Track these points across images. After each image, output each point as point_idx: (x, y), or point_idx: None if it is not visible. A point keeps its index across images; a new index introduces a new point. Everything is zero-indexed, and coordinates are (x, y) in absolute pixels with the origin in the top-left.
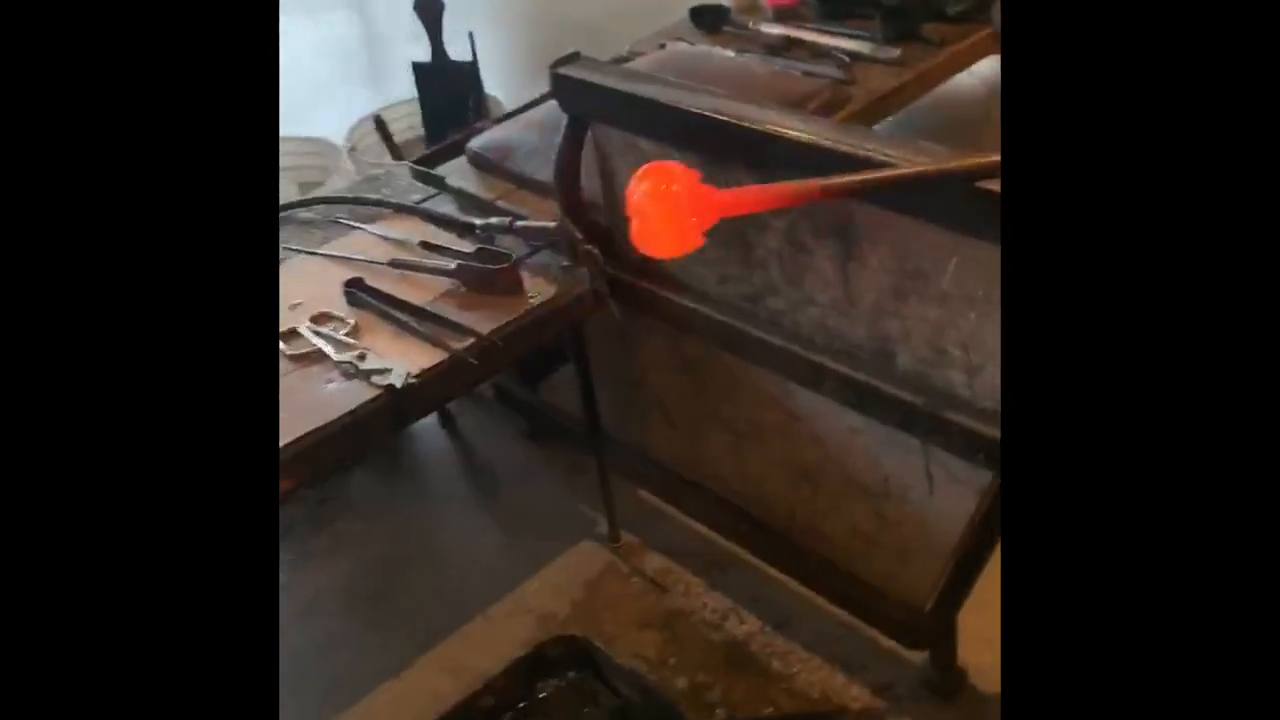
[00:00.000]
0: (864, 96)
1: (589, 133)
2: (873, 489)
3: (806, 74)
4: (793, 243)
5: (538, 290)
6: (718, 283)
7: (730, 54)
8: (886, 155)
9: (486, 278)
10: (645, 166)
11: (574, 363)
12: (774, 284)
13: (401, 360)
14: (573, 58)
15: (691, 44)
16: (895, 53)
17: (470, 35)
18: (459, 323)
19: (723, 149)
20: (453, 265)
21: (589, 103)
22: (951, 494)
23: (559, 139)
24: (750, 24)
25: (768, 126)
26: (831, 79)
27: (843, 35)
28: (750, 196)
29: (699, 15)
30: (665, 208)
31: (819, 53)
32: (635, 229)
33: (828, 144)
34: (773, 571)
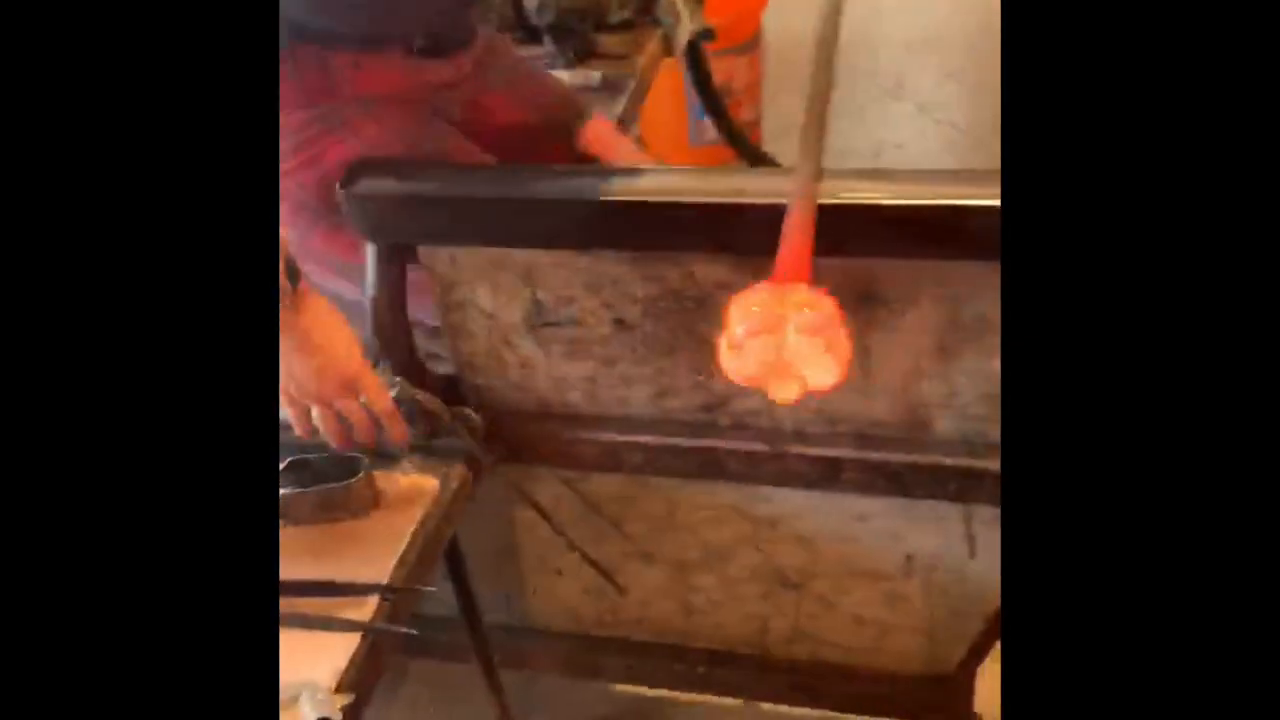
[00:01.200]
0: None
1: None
2: (888, 572)
3: None
4: None
5: (403, 492)
6: (653, 399)
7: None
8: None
9: (334, 501)
10: (749, 327)
11: (445, 555)
12: None
13: (296, 674)
14: (360, 170)
15: None
16: (597, 76)
17: None
18: (337, 581)
19: (652, 236)
20: None
21: (415, 224)
22: (997, 550)
23: (369, 274)
24: None
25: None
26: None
27: None
28: (794, 246)
29: None
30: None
31: None
32: (795, 388)
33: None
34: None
